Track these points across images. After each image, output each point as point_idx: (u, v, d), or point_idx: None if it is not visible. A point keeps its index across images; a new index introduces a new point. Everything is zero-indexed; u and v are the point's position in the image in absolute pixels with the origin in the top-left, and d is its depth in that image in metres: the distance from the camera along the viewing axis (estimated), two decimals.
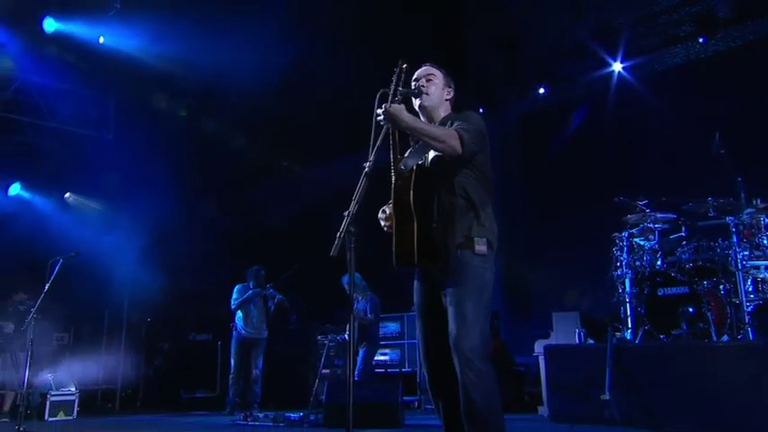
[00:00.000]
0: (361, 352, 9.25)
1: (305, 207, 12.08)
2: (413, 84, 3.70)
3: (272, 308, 9.38)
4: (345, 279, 9.01)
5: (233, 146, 12.38)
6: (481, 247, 3.35)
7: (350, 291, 3.37)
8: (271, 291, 9.37)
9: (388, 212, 3.63)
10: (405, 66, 3.50)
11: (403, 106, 3.38)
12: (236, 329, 9.39)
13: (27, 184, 11.40)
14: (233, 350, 9.40)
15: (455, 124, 3.44)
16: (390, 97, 3.40)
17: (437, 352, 3.42)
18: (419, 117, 3.63)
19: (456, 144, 3.30)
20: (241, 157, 12.41)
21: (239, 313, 9.35)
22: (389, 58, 3.51)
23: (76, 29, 10.43)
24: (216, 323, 10.46)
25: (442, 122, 3.59)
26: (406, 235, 3.40)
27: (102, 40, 10.53)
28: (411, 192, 3.40)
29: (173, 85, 10.68)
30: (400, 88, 3.45)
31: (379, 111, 3.35)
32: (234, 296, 9.39)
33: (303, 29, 9.61)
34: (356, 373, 9.23)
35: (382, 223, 3.67)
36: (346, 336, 9.33)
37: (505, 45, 10.80)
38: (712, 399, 5.63)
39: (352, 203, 3.18)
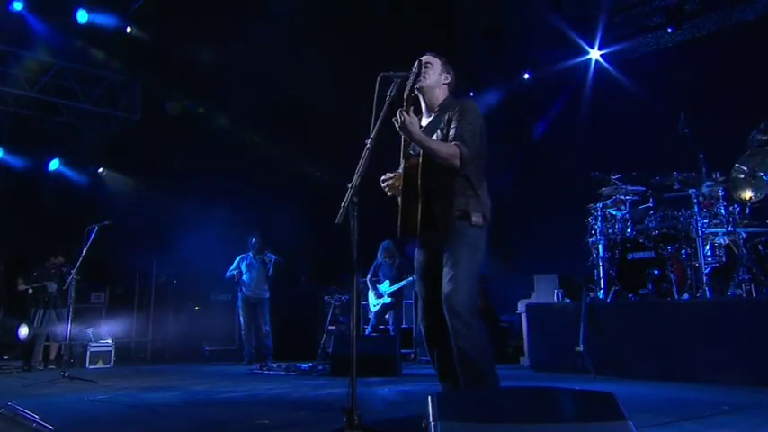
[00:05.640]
0: (390, 317, 9.47)
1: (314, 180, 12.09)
2: (413, 70, 3.68)
3: (270, 269, 9.45)
4: (384, 245, 9.18)
5: (247, 131, 12.31)
6: (477, 219, 3.42)
7: (353, 255, 3.35)
8: (268, 255, 9.48)
9: (392, 176, 3.69)
10: (423, 61, 3.58)
11: (416, 120, 3.41)
12: (240, 291, 9.57)
13: (65, 160, 11.40)
14: (240, 309, 9.60)
15: (454, 129, 3.45)
16: (407, 92, 3.48)
17: (433, 309, 3.48)
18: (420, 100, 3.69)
19: (456, 162, 3.36)
20: (254, 138, 12.37)
21: (243, 277, 9.53)
22: (385, 48, 3.50)
23: (106, 20, 10.35)
24: (233, 284, 10.56)
25: (441, 107, 3.63)
26: (411, 210, 3.50)
27: (129, 30, 10.46)
28: (419, 172, 3.47)
29: (193, 73, 10.58)
30: (411, 77, 3.52)
31: (399, 120, 3.34)
32: (233, 265, 9.61)
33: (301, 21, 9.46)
34: (391, 329, 9.58)
35: (383, 185, 3.71)
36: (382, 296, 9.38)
37: (492, 33, 10.69)
38: (673, 350, 5.74)
39: (355, 176, 3.18)
